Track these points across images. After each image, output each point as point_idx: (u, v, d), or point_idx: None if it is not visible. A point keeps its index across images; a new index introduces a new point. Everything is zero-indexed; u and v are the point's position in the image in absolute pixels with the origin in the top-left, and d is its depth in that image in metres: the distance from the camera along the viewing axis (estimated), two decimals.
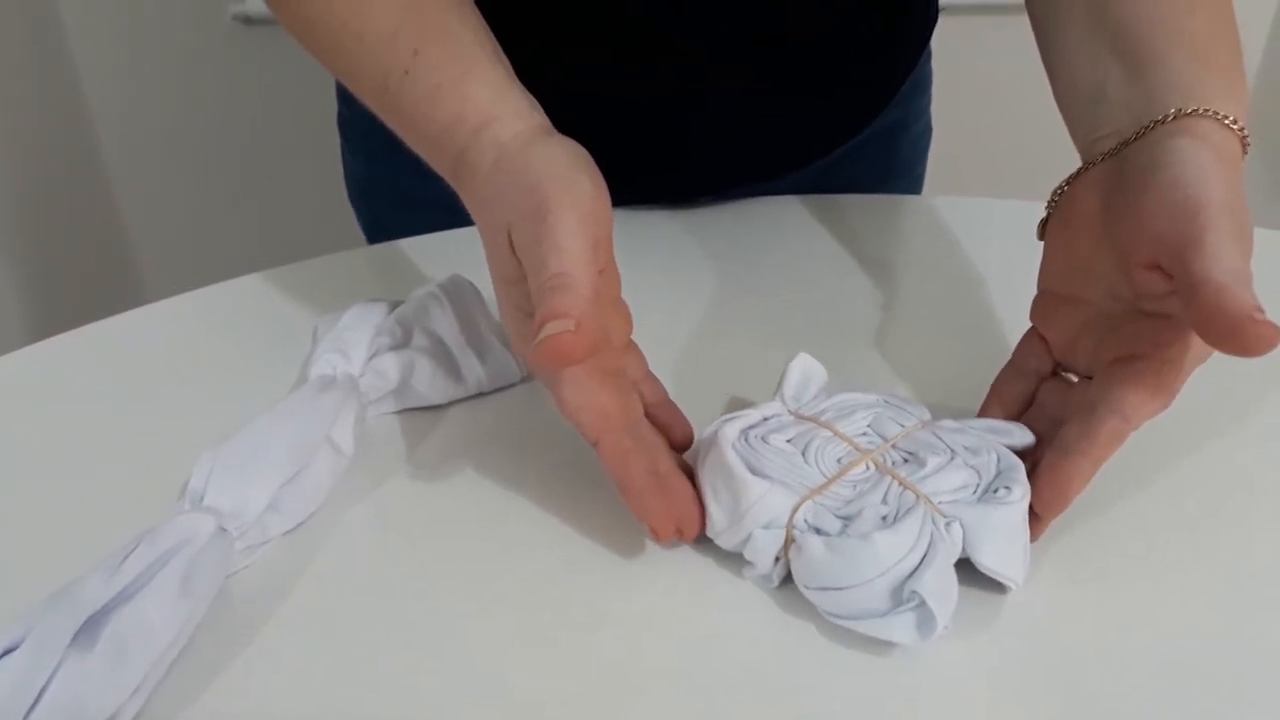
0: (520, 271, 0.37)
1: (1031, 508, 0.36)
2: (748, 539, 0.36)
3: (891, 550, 0.33)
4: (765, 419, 0.40)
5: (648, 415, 0.41)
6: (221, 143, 1.64)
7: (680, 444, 0.41)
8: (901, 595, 0.33)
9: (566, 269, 0.34)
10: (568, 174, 0.37)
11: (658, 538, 0.37)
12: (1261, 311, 0.31)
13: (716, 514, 0.37)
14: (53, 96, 1.60)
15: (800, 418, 0.40)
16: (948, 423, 0.39)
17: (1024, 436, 0.38)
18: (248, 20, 1.52)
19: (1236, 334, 0.31)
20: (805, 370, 0.42)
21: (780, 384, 0.41)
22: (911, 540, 0.33)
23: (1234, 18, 0.41)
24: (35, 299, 1.77)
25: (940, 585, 0.33)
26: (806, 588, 0.35)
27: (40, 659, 0.30)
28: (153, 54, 1.57)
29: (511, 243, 0.37)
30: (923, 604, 0.32)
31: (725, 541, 0.37)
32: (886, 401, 0.41)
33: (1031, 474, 0.37)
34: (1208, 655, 0.33)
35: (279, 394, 0.46)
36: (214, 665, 0.34)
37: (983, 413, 0.42)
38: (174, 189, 1.69)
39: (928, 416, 0.40)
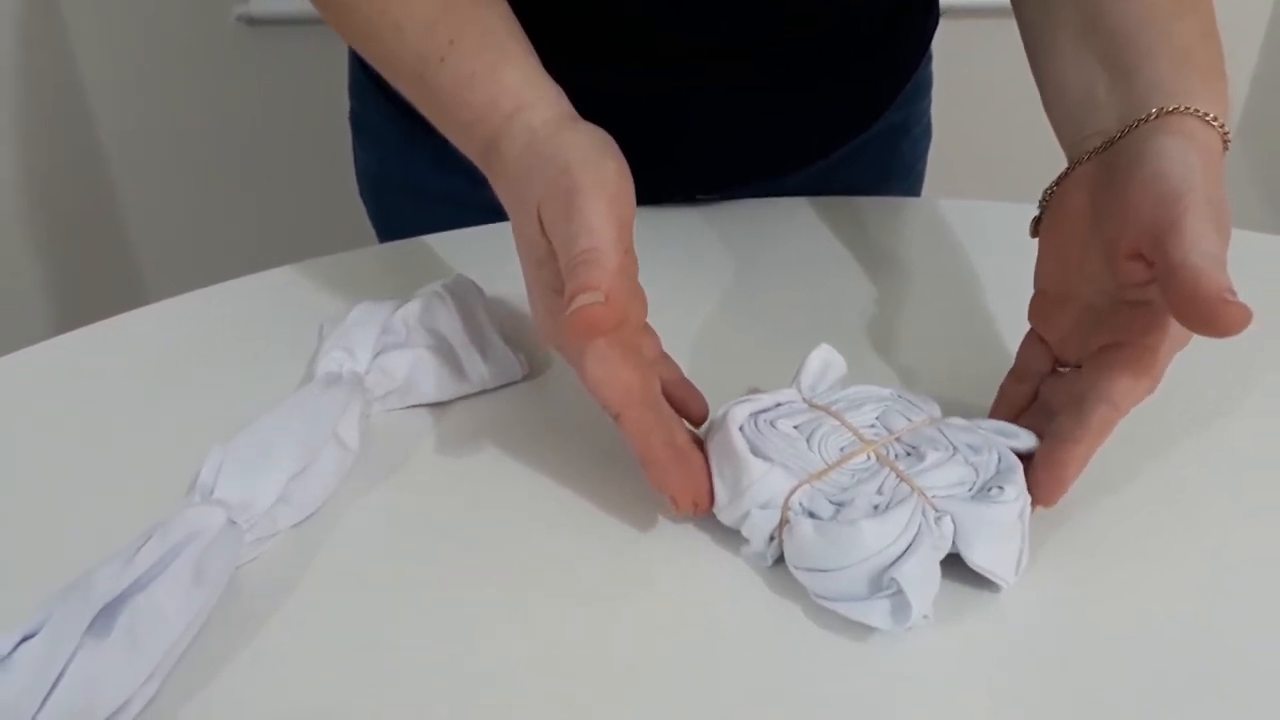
0: (549, 251, 0.39)
1: (1029, 492, 0.37)
2: (745, 516, 0.37)
3: (876, 538, 0.34)
4: (778, 404, 0.41)
5: (665, 392, 0.42)
6: (225, 143, 1.65)
7: (696, 418, 0.43)
8: (881, 582, 0.34)
9: (596, 245, 0.36)
10: (597, 159, 0.39)
11: (676, 508, 0.38)
12: (1233, 292, 0.32)
13: (719, 490, 0.38)
14: (56, 98, 1.61)
15: (812, 406, 0.41)
16: (956, 421, 0.40)
17: (1030, 441, 0.39)
18: (251, 21, 1.52)
19: (1209, 315, 0.32)
20: (825, 360, 0.43)
21: (799, 372, 0.42)
22: (898, 530, 0.34)
23: (1217, 27, 0.42)
24: (41, 299, 1.78)
25: (920, 575, 0.33)
26: (795, 568, 0.36)
27: (57, 646, 0.31)
28: (156, 55, 1.57)
29: (541, 223, 0.39)
30: (900, 592, 0.33)
31: (725, 517, 0.38)
32: (900, 396, 0.41)
33: (1028, 468, 0.38)
34: (1203, 650, 0.34)
35: (286, 390, 0.47)
36: (223, 653, 0.34)
37: (992, 417, 0.43)
38: (178, 189, 1.69)
39: (938, 413, 0.41)
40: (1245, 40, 1.49)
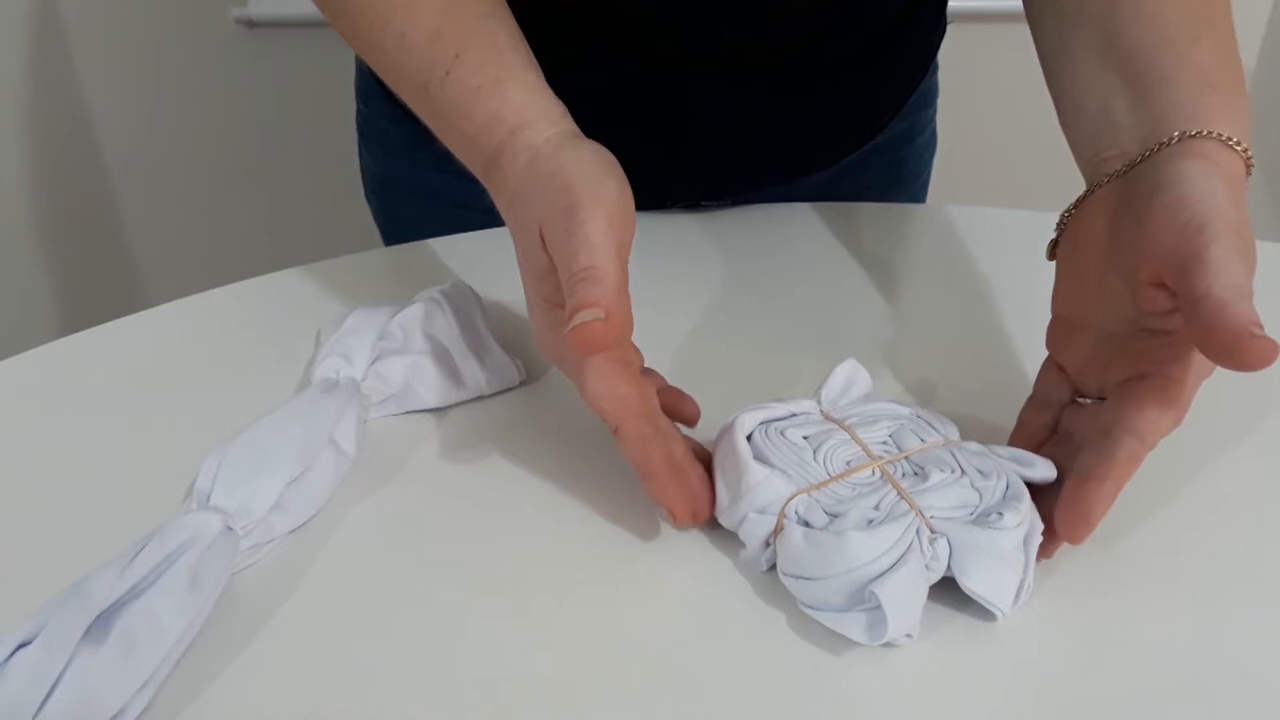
0: (550, 266, 0.39)
1: (1056, 529, 0.36)
2: (743, 520, 0.37)
3: (862, 551, 0.34)
4: (793, 414, 0.41)
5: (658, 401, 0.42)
6: (224, 146, 1.65)
7: (690, 420, 0.44)
8: (862, 595, 0.34)
9: (596, 262, 0.36)
10: (598, 177, 0.39)
11: (675, 521, 0.38)
12: (1260, 327, 0.31)
13: (721, 492, 0.39)
14: (55, 101, 1.61)
15: (827, 419, 0.41)
16: (971, 445, 0.39)
17: (1046, 470, 0.38)
18: (250, 24, 1.53)
19: (1235, 349, 0.31)
20: (850, 375, 0.43)
21: (821, 384, 0.42)
22: (886, 545, 0.34)
23: (1236, 45, 0.42)
24: (41, 302, 1.78)
25: (901, 593, 0.33)
26: (784, 574, 0.36)
27: (53, 654, 0.31)
28: (155, 58, 1.58)
29: (543, 238, 0.39)
30: (878, 607, 0.33)
31: (725, 520, 0.39)
32: (917, 416, 0.41)
33: (1054, 503, 0.37)
34: (1204, 674, 0.33)
35: (284, 396, 0.47)
36: (219, 660, 0.34)
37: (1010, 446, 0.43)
38: (177, 192, 1.70)
39: (955, 435, 0.41)
40: (1245, 40, 1.49)
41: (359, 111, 0.75)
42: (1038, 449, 0.41)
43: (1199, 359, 0.36)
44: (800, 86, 0.64)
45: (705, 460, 0.41)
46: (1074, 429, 0.41)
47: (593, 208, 0.38)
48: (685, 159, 0.65)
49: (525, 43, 0.45)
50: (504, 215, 0.43)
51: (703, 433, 0.44)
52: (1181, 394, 0.37)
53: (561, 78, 0.44)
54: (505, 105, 0.42)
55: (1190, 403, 0.37)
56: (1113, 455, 0.37)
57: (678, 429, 0.41)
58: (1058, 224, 0.42)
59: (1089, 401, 0.41)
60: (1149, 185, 0.37)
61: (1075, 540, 0.37)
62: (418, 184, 0.72)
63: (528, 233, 0.40)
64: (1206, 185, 0.35)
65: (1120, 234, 0.39)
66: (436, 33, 0.44)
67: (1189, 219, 0.35)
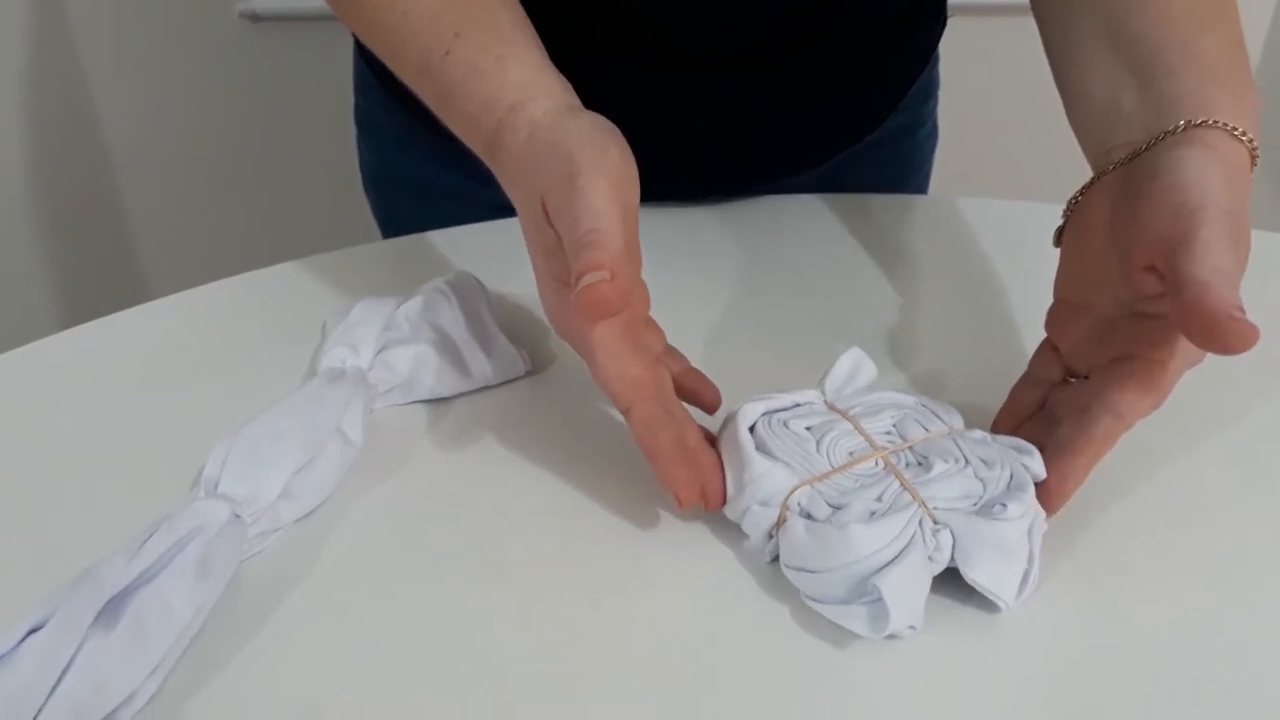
0: (557, 241, 0.38)
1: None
2: (746, 512, 0.37)
3: (864, 543, 0.34)
4: (796, 404, 0.41)
5: (675, 384, 0.42)
6: (228, 139, 1.65)
7: (710, 406, 0.44)
8: (864, 587, 0.34)
9: (599, 226, 0.36)
10: (599, 144, 0.39)
11: (679, 504, 0.38)
12: (1241, 310, 0.32)
13: (727, 483, 0.38)
14: (59, 95, 1.61)
15: (831, 409, 0.41)
16: (975, 434, 0.39)
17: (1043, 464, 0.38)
18: (254, 17, 1.52)
19: (1215, 331, 0.32)
20: (854, 364, 0.43)
21: (826, 373, 0.42)
22: (889, 538, 0.34)
23: (1243, 39, 0.42)
24: (46, 295, 1.78)
25: (903, 585, 0.33)
26: (787, 566, 0.36)
27: (64, 639, 0.31)
28: (159, 52, 1.57)
29: (547, 213, 0.39)
30: (880, 599, 0.33)
31: (729, 511, 0.39)
32: (922, 405, 0.41)
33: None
34: (1210, 664, 0.33)
35: (290, 386, 0.47)
36: (228, 647, 0.35)
37: (996, 421, 0.43)
38: (181, 185, 1.70)
39: (960, 425, 0.41)
40: (1247, 41, 1.49)
41: (356, 104, 0.75)
42: (1023, 423, 0.42)
43: (1184, 344, 0.37)
44: (800, 86, 0.64)
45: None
46: (1057, 407, 0.41)
47: (593, 174, 0.37)
48: (685, 158, 0.65)
49: (528, 22, 0.45)
50: (508, 193, 0.43)
51: (707, 425, 0.44)
52: (1164, 377, 0.37)
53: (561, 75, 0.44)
54: (506, 83, 0.42)
55: (1172, 387, 0.38)
56: (1089, 431, 0.37)
57: (691, 415, 0.41)
58: (1064, 210, 0.43)
59: (1076, 381, 0.42)
60: (1148, 171, 0.37)
61: (1049, 511, 0.37)
62: (413, 177, 0.72)
63: (532, 207, 0.40)
64: (1203, 171, 0.36)
65: (1119, 219, 0.39)
66: (438, 12, 0.44)
67: (1182, 203, 0.35)
